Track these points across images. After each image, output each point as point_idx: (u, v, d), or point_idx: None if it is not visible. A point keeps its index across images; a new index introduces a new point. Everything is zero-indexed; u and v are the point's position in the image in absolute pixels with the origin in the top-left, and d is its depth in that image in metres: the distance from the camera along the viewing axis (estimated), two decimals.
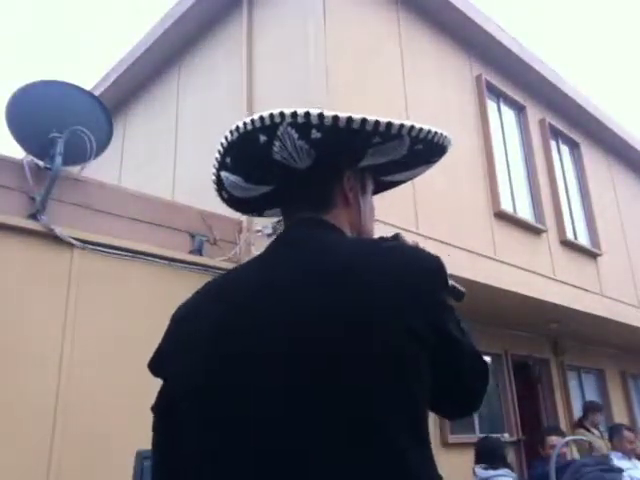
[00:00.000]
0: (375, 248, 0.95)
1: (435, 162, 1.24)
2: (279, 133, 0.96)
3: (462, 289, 1.23)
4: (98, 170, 5.13)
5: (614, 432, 4.90)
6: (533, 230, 7.54)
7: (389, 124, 1.01)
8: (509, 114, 8.12)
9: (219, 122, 6.36)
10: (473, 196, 6.74)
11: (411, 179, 1.29)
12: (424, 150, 1.13)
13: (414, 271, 0.92)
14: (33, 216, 3.84)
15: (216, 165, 1.09)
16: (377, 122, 0.99)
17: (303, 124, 0.95)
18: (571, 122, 9.17)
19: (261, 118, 0.96)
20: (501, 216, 6.98)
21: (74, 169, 4.26)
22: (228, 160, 1.05)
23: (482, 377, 0.97)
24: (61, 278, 3.85)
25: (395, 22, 6.51)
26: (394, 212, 5.52)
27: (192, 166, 6.39)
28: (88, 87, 7.09)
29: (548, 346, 8.68)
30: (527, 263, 6.91)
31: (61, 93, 4.19)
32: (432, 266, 1.00)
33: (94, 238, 4.04)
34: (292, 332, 0.82)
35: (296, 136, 0.97)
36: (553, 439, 4.51)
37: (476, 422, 7.16)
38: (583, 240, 8.66)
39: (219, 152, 1.05)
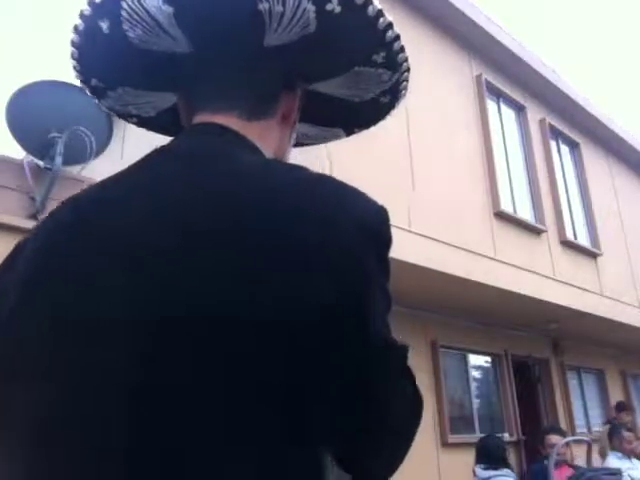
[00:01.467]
0: (316, 188, 0.63)
1: (351, 133, 0.95)
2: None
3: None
4: (98, 170, 5.13)
5: (613, 433, 4.91)
6: (533, 230, 7.54)
7: (402, 47, 0.79)
8: (509, 114, 8.12)
9: None
10: (473, 196, 6.74)
11: (309, 144, 1.02)
12: (377, 109, 0.87)
13: (353, 227, 0.60)
14: (33, 216, 3.84)
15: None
16: (391, 24, 0.77)
17: None
18: (571, 122, 9.17)
19: None
20: (501, 216, 6.99)
21: (74, 169, 4.26)
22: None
23: (414, 410, 0.68)
24: None
25: (395, 22, 6.51)
26: (394, 212, 5.53)
27: None
28: None
29: (548, 346, 8.68)
30: (527, 263, 6.91)
31: (61, 93, 4.18)
32: (378, 223, 0.64)
33: None
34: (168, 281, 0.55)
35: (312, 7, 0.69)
36: (553, 438, 4.52)
37: (476, 422, 7.16)
38: (583, 240, 8.67)
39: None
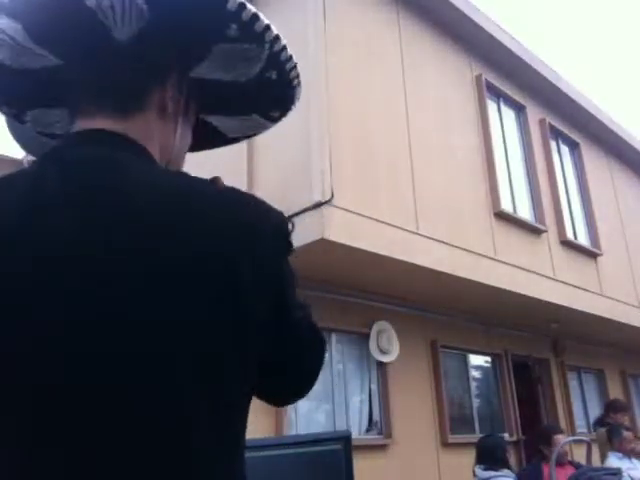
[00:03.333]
0: (206, 195, 0.69)
1: (272, 120, 0.95)
2: None
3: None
4: None
5: (613, 433, 4.90)
6: (533, 230, 7.54)
7: (255, 16, 0.76)
8: (509, 114, 8.12)
9: None
10: (473, 196, 6.74)
11: (236, 139, 1.00)
12: (272, 85, 0.85)
13: (257, 231, 0.68)
14: None
15: None
16: (242, 4, 0.74)
17: None
18: (571, 122, 9.17)
19: None
20: (501, 216, 6.99)
21: None
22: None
23: (320, 357, 0.82)
24: None
25: (395, 22, 6.51)
26: (394, 212, 5.53)
27: (192, 165, 6.39)
28: None
29: (548, 346, 8.68)
30: (527, 263, 6.91)
31: None
32: (279, 224, 0.72)
33: None
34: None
35: None
36: (561, 438, 4.50)
37: (476, 422, 7.16)
38: (583, 240, 8.67)
39: None
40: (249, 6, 0.75)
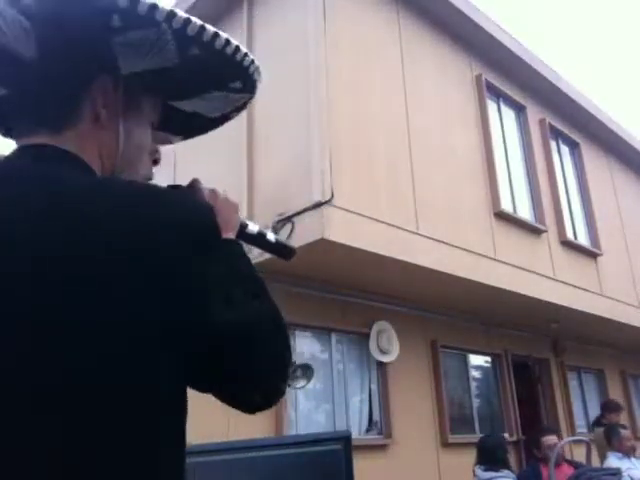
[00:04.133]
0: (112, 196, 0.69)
1: (238, 92, 0.93)
2: None
3: (289, 245, 1.05)
4: None
5: (611, 433, 4.90)
6: (533, 230, 7.54)
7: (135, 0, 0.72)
8: (509, 114, 8.12)
9: None
10: (473, 196, 6.74)
11: (217, 120, 0.99)
12: (208, 60, 0.83)
13: (159, 227, 0.68)
14: None
15: None
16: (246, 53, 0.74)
17: None
18: (571, 122, 9.16)
19: None
20: (501, 216, 6.98)
21: None
22: None
23: (274, 353, 0.75)
24: None
25: (395, 22, 6.51)
26: (394, 212, 5.53)
27: (192, 165, 6.39)
28: None
29: (548, 346, 8.68)
30: (527, 263, 6.91)
31: None
32: (185, 219, 0.71)
33: None
34: None
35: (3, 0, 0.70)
36: (549, 439, 4.51)
37: (476, 422, 7.16)
38: (583, 240, 8.66)
39: None
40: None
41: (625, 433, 4.85)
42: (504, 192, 7.20)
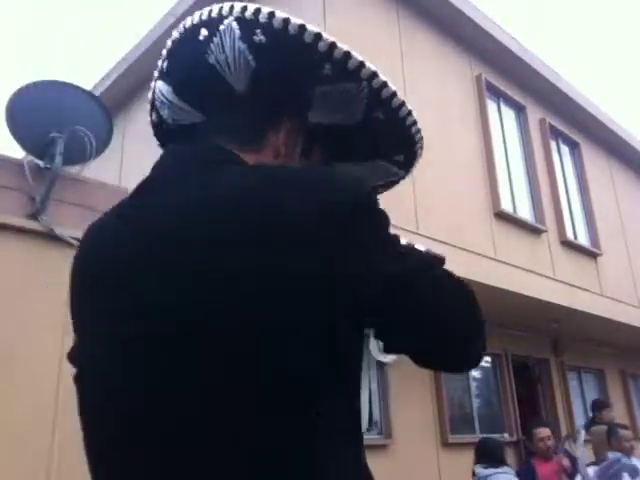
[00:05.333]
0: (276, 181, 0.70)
1: (398, 165, 0.96)
2: (221, 27, 0.79)
3: (440, 255, 1.05)
4: (98, 170, 5.13)
5: (611, 433, 4.90)
6: (533, 230, 7.54)
7: (347, 53, 0.79)
8: (509, 114, 8.12)
9: None
10: (473, 196, 6.74)
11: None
12: (385, 126, 0.87)
13: (321, 213, 0.66)
14: (33, 216, 3.84)
15: (155, 74, 0.90)
16: (334, 43, 0.79)
17: (250, 21, 0.78)
18: (571, 122, 9.17)
19: (209, 11, 0.80)
20: (501, 216, 6.99)
21: (74, 169, 4.26)
22: (165, 65, 0.88)
23: (452, 305, 0.77)
24: (61, 278, 3.85)
25: (395, 22, 6.51)
26: (394, 212, 5.53)
27: None
28: (88, 87, 7.09)
29: (548, 346, 8.68)
30: (527, 263, 6.91)
31: (61, 93, 4.18)
32: (349, 200, 0.68)
33: None
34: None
35: (238, 33, 0.78)
36: (541, 431, 4.54)
37: (476, 422, 7.16)
38: (583, 240, 8.67)
39: (161, 56, 0.88)
40: (340, 44, 0.80)
41: (625, 433, 4.84)
42: (504, 192, 7.21)
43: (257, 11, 0.78)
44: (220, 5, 0.79)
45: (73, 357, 0.77)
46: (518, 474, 4.38)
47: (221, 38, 0.79)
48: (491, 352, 7.65)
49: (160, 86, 0.89)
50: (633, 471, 3.85)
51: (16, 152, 4.57)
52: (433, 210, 6.01)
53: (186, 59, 0.85)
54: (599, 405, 6.26)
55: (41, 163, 4.00)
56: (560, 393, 8.60)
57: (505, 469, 3.89)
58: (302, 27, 0.81)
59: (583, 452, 4.05)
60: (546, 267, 7.39)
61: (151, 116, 0.95)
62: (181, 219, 0.69)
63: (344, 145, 0.91)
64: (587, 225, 8.93)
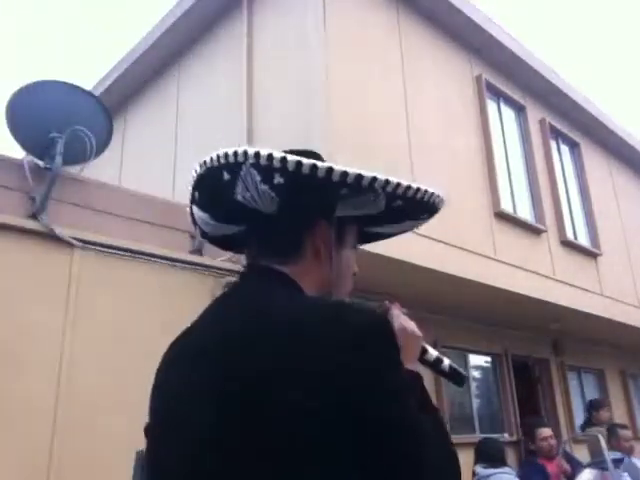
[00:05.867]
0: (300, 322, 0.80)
1: (425, 220, 1.13)
2: (242, 173, 0.90)
3: (463, 372, 1.11)
4: (98, 170, 5.13)
5: (610, 433, 4.90)
6: (533, 230, 7.54)
7: (359, 176, 0.89)
8: (509, 114, 8.12)
9: (219, 122, 6.36)
10: (473, 196, 6.73)
11: (400, 233, 1.17)
12: (407, 207, 1.02)
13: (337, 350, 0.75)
14: (33, 216, 3.84)
15: (189, 198, 1.02)
16: (345, 173, 0.89)
17: (265, 167, 0.88)
18: (571, 122, 9.17)
19: (225, 155, 0.90)
20: (501, 216, 6.98)
21: (74, 169, 4.26)
22: (197, 195, 1.00)
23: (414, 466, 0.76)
24: (61, 278, 3.85)
25: (395, 22, 6.51)
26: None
27: (192, 166, 6.40)
28: (88, 87, 7.09)
29: (548, 346, 8.68)
30: (527, 263, 6.91)
31: (61, 93, 4.18)
32: (363, 337, 0.78)
33: (94, 238, 4.03)
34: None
35: (259, 179, 0.89)
36: (543, 431, 4.53)
37: (476, 422, 7.16)
38: (583, 240, 8.66)
39: (191, 185, 1.00)
40: (351, 171, 0.89)
41: (624, 433, 4.84)
42: (504, 192, 7.20)
43: (270, 157, 0.87)
44: (234, 150, 0.89)
45: (145, 432, 0.95)
46: (526, 475, 4.38)
47: (244, 182, 0.90)
48: (491, 352, 7.65)
49: (197, 212, 1.04)
50: (634, 470, 3.85)
51: (16, 152, 4.56)
52: None
53: (216, 196, 0.97)
54: (596, 405, 6.24)
55: (41, 163, 4.00)
56: (560, 393, 8.60)
57: (505, 469, 3.89)
58: (314, 166, 0.88)
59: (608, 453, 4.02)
60: (546, 267, 7.39)
61: (196, 230, 1.10)
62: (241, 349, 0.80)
63: (371, 220, 1.03)
64: (587, 225, 8.92)
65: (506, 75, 7.97)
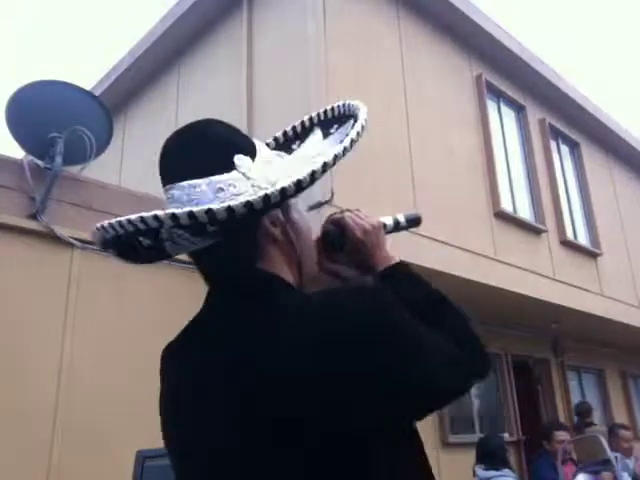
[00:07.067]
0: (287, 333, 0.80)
1: (355, 120, 1.12)
2: (164, 237, 0.83)
3: (416, 214, 1.21)
4: (98, 170, 5.13)
5: (610, 433, 4.90)
6: (533, 230, 7.54)
7: (298, 185, 0.86)
8: (509, 114, 8.11)
9: None
10: (473, 196, 6.73)
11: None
12: (337, 122, 1.11)
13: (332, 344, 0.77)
14: (33, 216, 3.84)
15: (99, 245, 0.90)
16: (283, 190, 0.85)
17: (191, 224, 0.80)
18: (571, 122, 9.16)
19: (130, 222, 0.81)
20: (501, 216, 6.98)
21: (74, 169, 4.26)
22: (112, 249, 0.89)
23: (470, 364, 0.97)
24: (61, 278, 3.85)
25: (395, 22, 6.51)
26: (394, 212, 5.52)
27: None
28: (88, 87, 7.09)
29: (548, 346, 8.68)
30: (527, 263, 6.91)
31: (61, 93, 4.18)
32: (350, 322, 0.79)
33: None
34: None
35: (188, 234, 0.82)
36: (561, 434, 4.55)
37: (476, 422, 7.16)
38: (583, 240, 8.66)
39: (98, 241, 0.88)
40: (288, 185, 0.85)
41: (624, 434, 4.83)
42: (504, 192, 7.20)
43: (192, 215, 0.80)
44: (138, 217, 0.80)
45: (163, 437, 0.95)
46: (539, 469, 4.41)
47: (171, 240, 0.84)
48: (491, 352, 7.65)
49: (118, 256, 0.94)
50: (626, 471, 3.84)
51: (16, 152, 4.56)
52: (433, 210, 6.01)
53: (140, 252, 0.89)
54: (582, 411, 6.25)
55: (41, 163, 4.00)
56: (560, 393, 8.60)
57: (505, 472, 3.84)
58: (248, 203, 0.82)
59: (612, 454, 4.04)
60: (546, 267, 7.39)
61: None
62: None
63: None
64: (587, 225, 8.92)
65: (506, 75, 7.97)
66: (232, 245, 0.89)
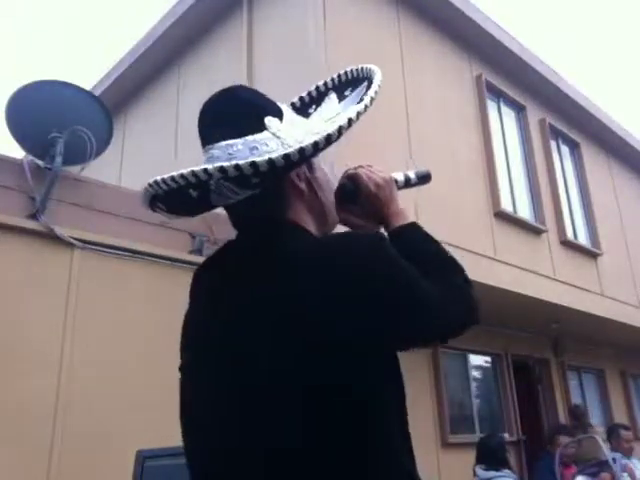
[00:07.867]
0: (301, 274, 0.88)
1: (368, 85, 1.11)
2: (212, 188, 0.91)
3: (426, 172, 1.25)
4: (98, 170, 5.13)
5: (611, 433, 4.90)
6: (533, 230, 7.54)
7: (328, 138, 0.93)
8: (509, 114, 8.12)
9: None
10: (473, 196, 6.73)
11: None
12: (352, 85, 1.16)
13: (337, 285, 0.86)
14: (33, 216, 3.84)
15: (147, 206, 0.99)
16: (316, 144, 0.92)
17: (237, 176, 0.88)
18: (571, 122, 9.17)
19: (182, 176, 0.90)
20: (501, 216, 6.98)
21: (74, 169, 4.26)
22: (160, 204, 0.98)
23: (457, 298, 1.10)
24: (61, 278, 3.85)
25: (395, 22, 6.51)
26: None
27: (192, 166, 6.39)
28: (88, 87, 7.09)
29: (548, 346, 8.68)
30: (527, 263, 6.91)
31: (61, 93, 4.18)
32: (355, 264, 0.89)
33: (94, 238, 4.03)
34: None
35: (234, 186, 0.91)
36: (564, 439, 4.56)
37: (476, 422, 7.16)
38: (583, 240, 8.66)
39: (147, 197, 0.96)
40: (320, 139, 0.92)
41: (625, 434, 4.84)
42: (504, 192, 7.20)
43: (238, 168, 0.88)
44: (190, 171, 0.89)
45: (180, 369, 1.01)
46: (540, 469, 4.41)
47: (217, 192, 0.93)
48: (491, 352, 7.65)
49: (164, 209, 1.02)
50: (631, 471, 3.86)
51: (16, 152, 4.56)
52: (433, 210, 6.01)
53: (188, 204, 0.98)
54: (579, 412, 6.25)
55: (41, 163, 4.00)
56: (560, 393, 8.60)
57: (505, 472, 3.84)
58: (286, 156, 0.90)
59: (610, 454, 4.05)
60: (546, 267, 7.39)
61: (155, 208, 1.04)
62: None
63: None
64: (587, 225, 8.92)
65: (506, 75, 7.97)
66: (266, 197, 0.97)
